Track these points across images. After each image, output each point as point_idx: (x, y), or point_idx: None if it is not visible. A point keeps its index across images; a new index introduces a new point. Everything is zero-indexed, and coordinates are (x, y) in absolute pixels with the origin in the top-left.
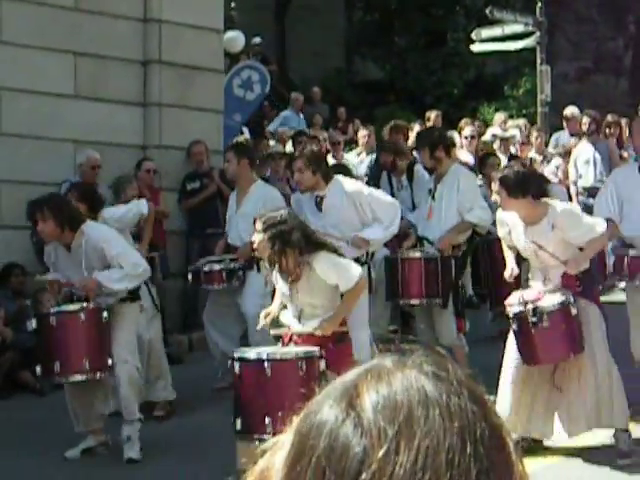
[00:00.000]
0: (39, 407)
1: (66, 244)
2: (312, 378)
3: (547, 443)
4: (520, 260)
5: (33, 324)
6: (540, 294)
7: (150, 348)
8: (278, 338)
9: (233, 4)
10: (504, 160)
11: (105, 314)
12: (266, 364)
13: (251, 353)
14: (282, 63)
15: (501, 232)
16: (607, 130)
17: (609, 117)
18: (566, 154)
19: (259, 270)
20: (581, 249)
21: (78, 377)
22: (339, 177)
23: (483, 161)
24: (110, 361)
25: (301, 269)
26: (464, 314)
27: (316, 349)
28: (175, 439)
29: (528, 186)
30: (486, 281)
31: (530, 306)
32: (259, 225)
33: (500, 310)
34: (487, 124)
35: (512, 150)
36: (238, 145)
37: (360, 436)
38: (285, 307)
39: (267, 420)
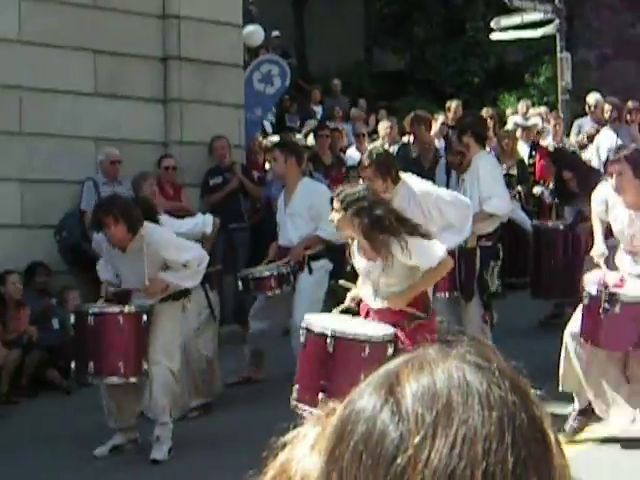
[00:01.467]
0: (66, 405)
1: (122, 247)
2: (376, 361)
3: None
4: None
5: (71, 320)
6: (622, 280)
7: (198, 353)
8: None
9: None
10: (526, 149)
11: (145, 317)
12: (329, 340)
13: (317, 325)
14: (302, 56)
15: (597, 209)
16: (629, 116)
17: (630, 104)
18: (589, 141)
19: (310, 272)
20: None
21: (112, 379)
22: (407, 177)
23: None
24: (145, 365)
25: (382, 249)
26: (490, 306)
27: (389, 332)
28: (209, 437)
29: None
30: (512, 269)
31: (608, 290)
32: (337, 203)
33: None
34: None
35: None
36: (285, 143)
37: (397, 422)
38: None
39: (321, 396)
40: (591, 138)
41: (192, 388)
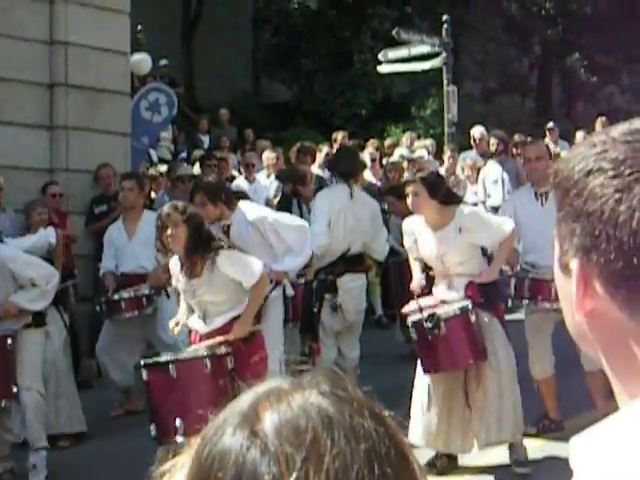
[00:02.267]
0: None
1: None
2: (220, 375)
3: (461, 462)
4: (429, 276)
5: None
6: (437, 301)
7: (59, 376)
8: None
9: (140, 26)
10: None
11: (9, 341)
12: (171, 366)
13: (156, 358)
14: (189, 85)
15: (407, 242)
16: (514, 150)
17: (516, 137)
18: (474, 172)
19: (168, 296)
20: (487, 258)
21: None
22: (243, 204)
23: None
24: (15, 389)
25: (203, 266)
26: (316, 338)
27: (222, 347)
28: (84, 465)
29: (441, 189)
30: (397, 301)
31: (426, 313)
32: (177, 216)
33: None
34: (396, 145)
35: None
36: (138, 175)
37: (268, 464)
38: (192, 312)
39: (178, 422)
40: (477, 170)
41: (65, 415)
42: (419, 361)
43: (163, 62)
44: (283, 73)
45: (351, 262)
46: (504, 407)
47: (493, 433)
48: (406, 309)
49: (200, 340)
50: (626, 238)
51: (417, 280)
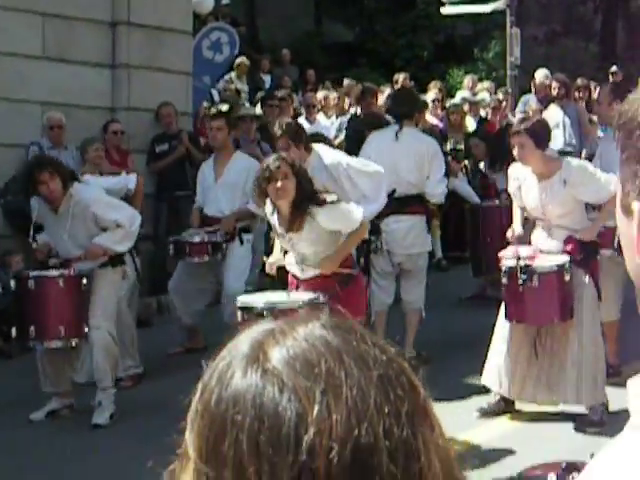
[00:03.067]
0: (7, 370)
1: (56, 207)
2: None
3: (519, 406)
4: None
5: (12, 286)
6: (536, 252)
7: (124, 319)
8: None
9: None
10: (473, 123)
11: (84, 281)
12: (265, 313)
13: (256, 302)
14: (251, 25)
15: (511, 187)
16: (576, 94)
17: (578, 81)
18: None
19: (242, 243)
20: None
21: (53, 343)
22: (318, 148)
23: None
24: (86, 328)
25: (303, 222)
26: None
27: (320, 295)
28: (142, 404)
29: (547, 138)
30: (473, 247)
31: (522, 262)
32: (287, 168)
33: (490, 277)
34: (457, 88)
35: (482, 113)
36: (229, 115)
37: (288, 399)
38: (286, 253)
39: None
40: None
41: (127, 355)
42: (502, 307)
43: (225, 1)
44: (345, 13)
45: (398, 204)
46: (583, 372)
47: (580, 389)
48: (503, 253)
49: (297, 285)
50: None
51: (516, 229)
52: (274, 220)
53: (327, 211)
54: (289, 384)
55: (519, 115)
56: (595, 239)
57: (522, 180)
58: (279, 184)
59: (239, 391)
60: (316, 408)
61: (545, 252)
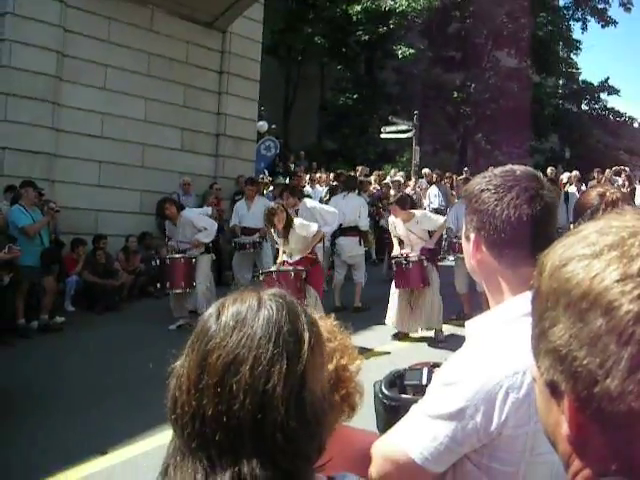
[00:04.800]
0: (157, 307)
1: (174, 222)
2: (298, 280)
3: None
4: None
5: (157, 262)
6: (408, 253)
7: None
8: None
9: (262, 107)
10: (392, 192)
11: (193, 261)
12: (274, 274)
13: (268, 269)
14: (285, 138)
15: (390, 228)
16: (446, 180)
17: (447, 174)
18: (424, 191)
19: (267, 241)
20: (430, 234)
21: (178, 290)
22: (305, 199)
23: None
24: (194, 283)
25: (288, 233)
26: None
27: (301, 268)
28: None
29: (407, 203)
30: (385, 251)
31: (403, 256)
32: (281, 209)
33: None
34: (387, 174)
35: (397, 187)
36: (256, 181)
37: (216, 325)
38: (284, 252)
39: None
40: (423, 192)
41: (213, 299)
42: (393, 281)
43: (273, 126)
44: (332, 135)
45: (344, 230)
46: (434, 310)
47: (430, 322)
48: (393, 254)
49: (284, 263)
50: (498, 224)
51: (396, 247)
52: (276, 236)
53: (299, 227)
54: (223, 318)
55: (393, 192)
56: (436, 247)
57: (396, 224)
58: (276, 218)
59: (204, 322)
60: (225, 330)
61: (411, 254)
